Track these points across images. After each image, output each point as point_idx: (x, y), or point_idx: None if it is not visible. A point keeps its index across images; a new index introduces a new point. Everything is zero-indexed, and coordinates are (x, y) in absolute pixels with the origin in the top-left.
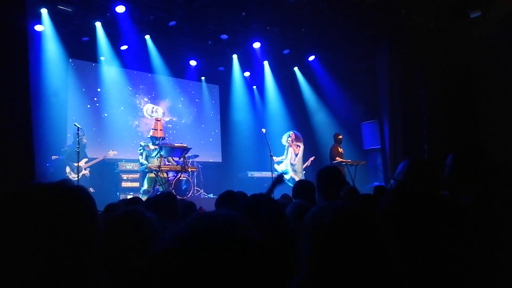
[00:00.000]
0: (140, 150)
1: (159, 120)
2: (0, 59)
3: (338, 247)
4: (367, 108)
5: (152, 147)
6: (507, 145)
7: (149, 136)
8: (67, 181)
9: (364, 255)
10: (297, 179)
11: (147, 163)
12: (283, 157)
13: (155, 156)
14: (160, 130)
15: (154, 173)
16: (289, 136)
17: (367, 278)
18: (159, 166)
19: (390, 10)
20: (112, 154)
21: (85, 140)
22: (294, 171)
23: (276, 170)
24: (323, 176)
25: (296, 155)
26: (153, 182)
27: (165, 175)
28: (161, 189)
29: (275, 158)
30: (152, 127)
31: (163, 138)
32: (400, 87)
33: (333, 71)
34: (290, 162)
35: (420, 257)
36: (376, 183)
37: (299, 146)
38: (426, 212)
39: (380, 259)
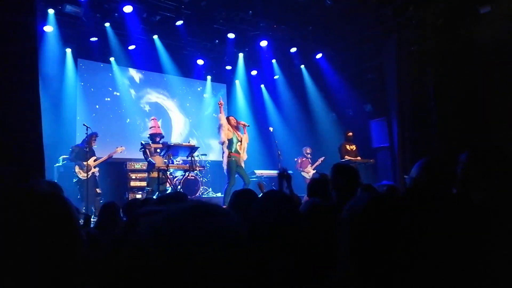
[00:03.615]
0: (141, 149)
1: (155, 119)
2: (10, 60)
3: (375, 235)
4: (375, 106)
5: (153, 145)
6: None
7: (148, 135)
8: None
9: (401, 242)
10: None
11: (154, 161)
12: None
13: (163, 155)
14: (158, 127)
15: (162, 173)
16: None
17: (406, 266)
18: (168, 165)
19: (398, 7)
20: (120, 150)
21: (94, 143)
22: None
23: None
24: (341, 173)
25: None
26: (156, 182)
27: (168, 174)
28: (166, 188)
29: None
30: (150, 125)
31: (162, 136)
32: (409, 85)
33: (341, 69)
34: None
35: (433, 255)
36: (385, 182)
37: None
38: (440, 209)
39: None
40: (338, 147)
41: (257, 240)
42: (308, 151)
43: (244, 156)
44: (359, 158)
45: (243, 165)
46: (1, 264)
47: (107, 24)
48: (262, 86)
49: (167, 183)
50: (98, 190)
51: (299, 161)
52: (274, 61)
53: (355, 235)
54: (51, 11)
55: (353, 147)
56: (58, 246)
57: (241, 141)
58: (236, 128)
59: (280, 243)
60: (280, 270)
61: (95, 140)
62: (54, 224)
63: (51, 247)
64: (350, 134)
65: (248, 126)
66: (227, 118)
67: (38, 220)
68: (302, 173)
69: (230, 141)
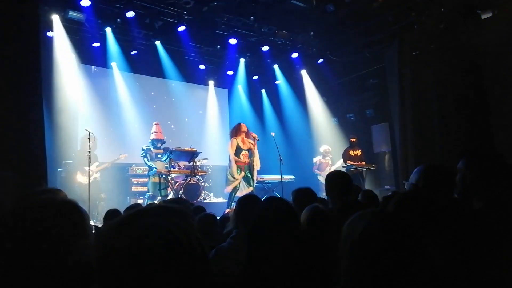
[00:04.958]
0: (142, 154)
1: (158, 124)
2: (13, 64)
3: (377, 254)
4: (377, 111)
5: (154, 150)
6: None
7: (150, 140)
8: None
9: (404, 260)
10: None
11: (156, 167)
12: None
13: (165, 160)
14: (160, 132)
15: (163, 178)
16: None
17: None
18: (169, 171)
19: (400, 12)
20: (123, 157)
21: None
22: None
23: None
24: (332, 180)
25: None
26: (157, 186)
27: (169, 179)
28: (167, 192)
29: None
30: (152, 130)
31: (164, 141)
32: (411, 90)
33: (342, 74)
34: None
35: (433, 261)
36: (387, 187)
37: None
38: (439, 216)
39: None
40: (342, 152)
41: (257, 244)
42: (327, 150)
43: (257, 166)
44: (362, 163)
45: (254, 174)
46: (19, 268)
47: (108, 30)
48: (263, 91)
49: (169, 188)
50: (103, 195)
51: (317, 163)
52: (275, 66)
53: (356, 254)
54: (55, 17)
55: (358, 152)
56: (73, 252)
57: (247, 150)
58: (246, 136)
59: (278, 247)
60: (280, 273)
61: (96, 144)
62: (73, 230)
63: (65, 253)
64: (353, 140)
65: (258, 140)
66: (239, 125)
67: (60, 227)
68: (319, 177)
69: (236, 150)
